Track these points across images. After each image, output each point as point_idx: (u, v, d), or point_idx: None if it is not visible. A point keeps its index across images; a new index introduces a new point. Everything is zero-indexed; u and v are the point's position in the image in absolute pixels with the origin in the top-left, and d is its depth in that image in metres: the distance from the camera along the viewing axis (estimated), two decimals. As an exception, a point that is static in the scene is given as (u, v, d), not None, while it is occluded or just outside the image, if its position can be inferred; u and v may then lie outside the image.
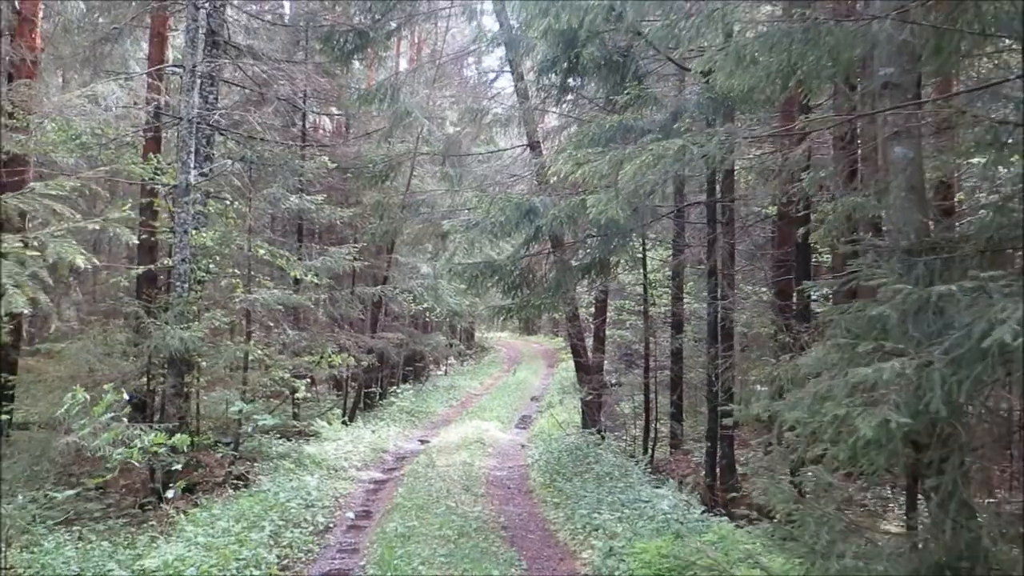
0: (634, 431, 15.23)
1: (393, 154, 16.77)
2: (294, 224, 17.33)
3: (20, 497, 7.65)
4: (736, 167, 10.93)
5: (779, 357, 7.55)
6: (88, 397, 7.26)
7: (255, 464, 11.33)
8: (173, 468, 8.99)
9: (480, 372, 32.66)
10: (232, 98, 16.56)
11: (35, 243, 5.89)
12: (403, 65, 23.69)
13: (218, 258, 12.26)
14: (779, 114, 10.48)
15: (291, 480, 10.56)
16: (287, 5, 19.38)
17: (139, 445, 7.82)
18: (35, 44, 12.67)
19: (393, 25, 15.11)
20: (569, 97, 13.68)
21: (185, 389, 10.65)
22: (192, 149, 10.77)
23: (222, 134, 14.41)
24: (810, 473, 4.90)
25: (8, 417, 11.00)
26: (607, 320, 17.53)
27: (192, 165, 10.74)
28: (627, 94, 9.31)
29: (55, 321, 16.05)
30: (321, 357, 14.21)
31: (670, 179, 5.41)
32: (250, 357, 12.09)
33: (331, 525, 9.39)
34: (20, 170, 11.39)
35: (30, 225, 8.92)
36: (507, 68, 15.83)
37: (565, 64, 10.77)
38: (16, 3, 12.54)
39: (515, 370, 32.54)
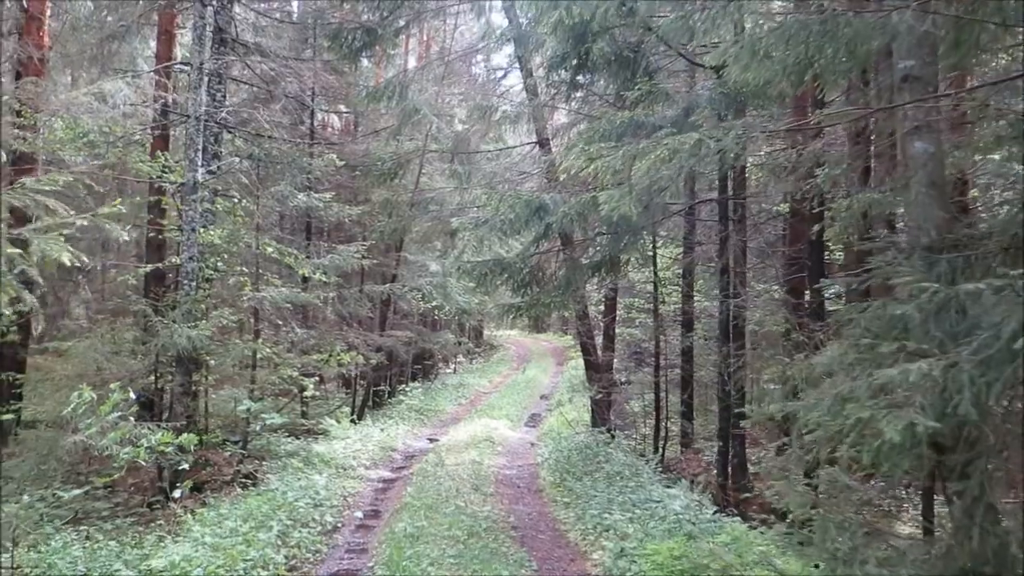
0: (644, 430, 15.13)
1: (402, 152, 16.70)
2: (302, 222, 17.28)
3: (27, 496, 7.62)
4: (748, 164, 10.82)
5: (793, 356, 7.43)
6: (95, 396, 7.21)
7: (263, 463, 11.28)
8: (181, 467, 8.93)
9: (489, 370, 32.59)
10: (240, 96, 16.53)
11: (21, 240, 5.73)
12: (412, 63, 23.63)
13: (226, 256, 12.22)
14: (791, 110, 10.37)
15: (299, 479, 10.50)
16: (295, 2, 19.35)
17: (146, 444, 7.76)
18: (42, 42, 12.66)
19: (401, 22, 15.05)
20: (579, 94, 13.58)
21: (193, 387, 10.61)
22: (200, 147, 10.71)
23: (230, 132, 14.37)
24: (827, 475, 4.80)
25: (16, 416, 11.01)
26: (617, 318, 17.42)
27: (200, 163, 10.69)
28: (638, 90, 9.20)
29: (64, 319, 16.05)
30: (330, 355, 14.16)
31: (684, 174, 5.30)
32: (258, 355, 12.04)
33: (339, 525, 9.33)
34: (28, 168, 11.38)
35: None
36: (516, 65, 15.77)
37: (575, 60, 10.67)
38: (23, 1, 12.53)
39: (524, 368, 32.46)
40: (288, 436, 12.67)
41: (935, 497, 6.78)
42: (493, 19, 23.04)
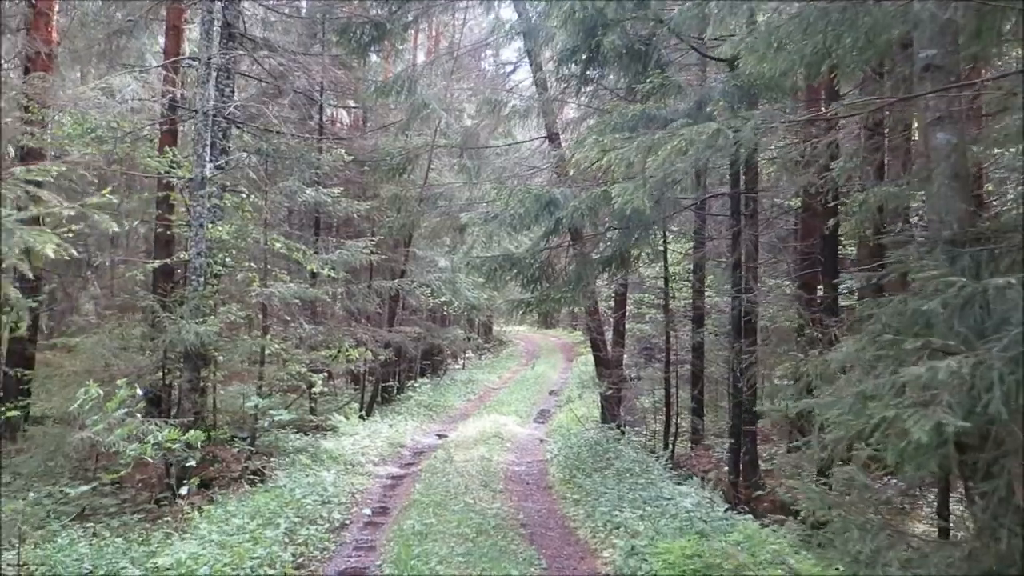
0: (654, 426, 15.04)
1: (410, 147, 16.61)
2: (311, 217, 17.23)
3: (34, 492, 7.58)
4: (759, 158, 10.70)
5: (806, 352, 7.32)
6: (102, 392, 7.17)
7: (271, 459, 11.24)
8: (188, 464, 8.89)
9: (498, 366, 32.51)
10: (248, 91, 16.49)
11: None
12: (420, 57, 23.55)
13: (234, 252, 12.18)
14: (804, 103, 10.24)
15: (307, 475, 10.44)
16: (303, -3, 19.25)
17: (153, 440, 7.72)
18: (50, 38, 12.63)
19: (410, 17, 14.96)
20: (589, 88, 13.44)
21: (201, 384, 10.56)
22: (208, 142, 10.65)
23: (238, 127, 14.32)
24: (842, 473, 4.70)
25: (24, 412, 10.99)
26: (627, 314, 17.33)
27: (208, 158, 10.63)
28: (649, 83, 9.08)
29: (73, 314, 16.05)
30: (338, 351, 14.11)
31: (699, 167, 5.20)
32: (267, 351, 11.99)
33: (347, 522, 9.26)
34: (36, 163, 11.34)
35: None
36: (525, 59, 15.65)
37: (585, 54, 10.55)
38: (32, -3, 12.51)
39: (533, 364, 32.38)
40: (296, 432, 12.62)
41: (950, 496, 6.68)
42: (502, 13, 22.93)
